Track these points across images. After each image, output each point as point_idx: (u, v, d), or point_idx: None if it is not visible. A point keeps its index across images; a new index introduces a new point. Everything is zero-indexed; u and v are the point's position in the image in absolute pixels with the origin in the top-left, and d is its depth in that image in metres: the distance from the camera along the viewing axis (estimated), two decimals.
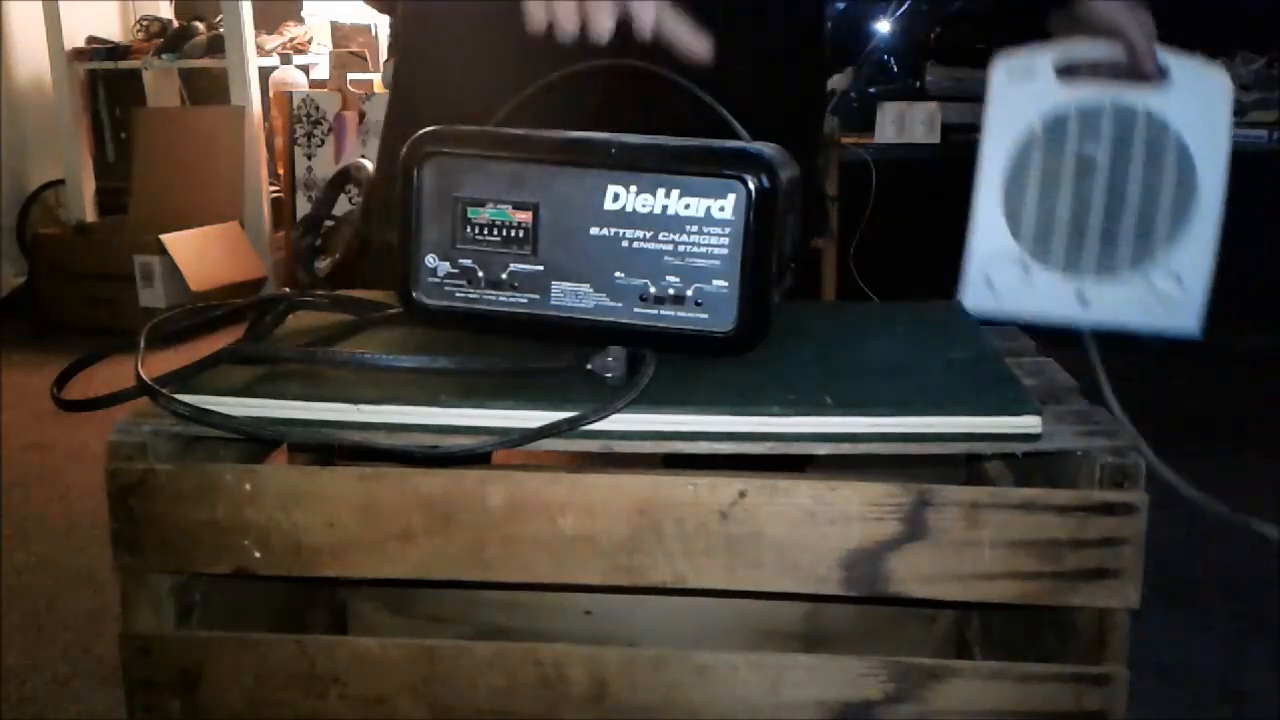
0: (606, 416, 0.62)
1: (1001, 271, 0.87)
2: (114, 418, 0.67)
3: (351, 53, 3.40)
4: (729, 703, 0.64)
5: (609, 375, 0.66)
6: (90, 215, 3.51)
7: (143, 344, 0.70)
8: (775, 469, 0.67)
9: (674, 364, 0.69)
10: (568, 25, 0.72)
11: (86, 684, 1.31)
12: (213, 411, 0.63)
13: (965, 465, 0.87)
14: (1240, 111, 2.53)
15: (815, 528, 0.61)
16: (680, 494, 0.62)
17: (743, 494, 0.61)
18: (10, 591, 1.54)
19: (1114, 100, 0.85)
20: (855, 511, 0.61)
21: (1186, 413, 2.14)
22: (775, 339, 0.76)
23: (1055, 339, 0.84)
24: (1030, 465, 0.68)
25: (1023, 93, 0.86)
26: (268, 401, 0.65)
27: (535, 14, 0.73)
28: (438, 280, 0.71)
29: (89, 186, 3.53)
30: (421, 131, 0.71)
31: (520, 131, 0.71)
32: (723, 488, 0.61)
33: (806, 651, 0.85)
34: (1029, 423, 0.63)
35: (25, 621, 1.46)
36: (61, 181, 3.53)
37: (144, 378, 0.65)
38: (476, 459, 0.63)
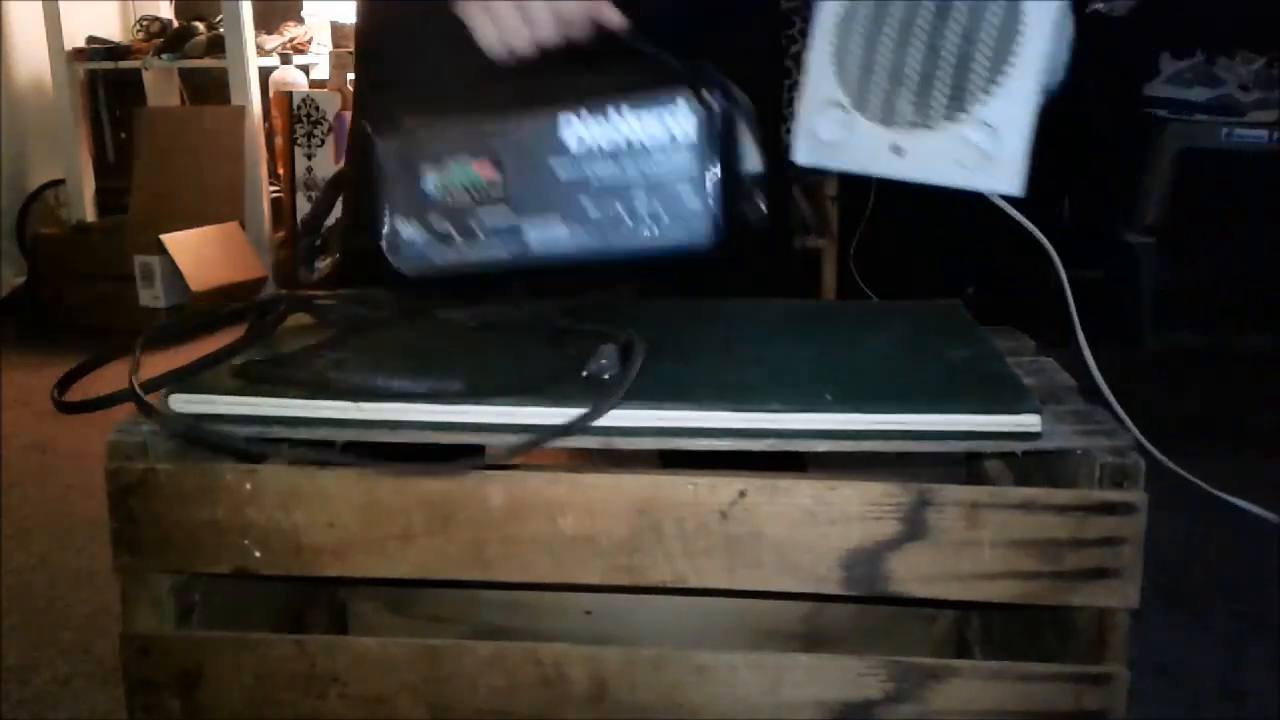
0: (608, 411, 0.62)
1: (826, 120, 0.84)
2: (114, 418, 0.67)
3: (351, 53, 3.40)
4: (729, 703, 0.64)
5: (606, 376, 0.66)
6: (90, 215, 3.51)
7: (139, 351, 0.69)
8: (775, 468, 0.67)
9: (675, 361, 0.69)
10: (518, 41, 0.76)
11: (86, 684, 1.30)
12: (204, 428, 0.63)
13: (965, 465, 0.87)
14: (1240, 111, 2.53)
15: (815, 527, 0.61)
16: (680, 494, 0.62)
17: (743, 494, 0.61)
18: (10, 591, 1.54)
19: None
20: (855, 511, 0.61)
21: (1186, 413, 2.14)
22: (775, 337, 0.76)
23: (1053, 339, 0.84)
24: (1030, 465, 0.68)
25: None
26: (268, 400, 0.65)
27: (483, 32, 0.76)
28: (413, 244, 0.72)
29: (89, 186, 3.53)
30: (377, 103, 0.72)
31: (472, 87, 0.73)
32: (723, 487, 0.61)
33: (806, 651, 0.85)
34: (1029, 421, 0.63)
35: (25, 621, 1.46)
36: (61, 181, 3.53)
37: (138, 390, 0.65)
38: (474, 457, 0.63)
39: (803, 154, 0.85)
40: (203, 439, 0.63)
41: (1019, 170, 0.79)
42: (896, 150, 0.82)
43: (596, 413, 0.62)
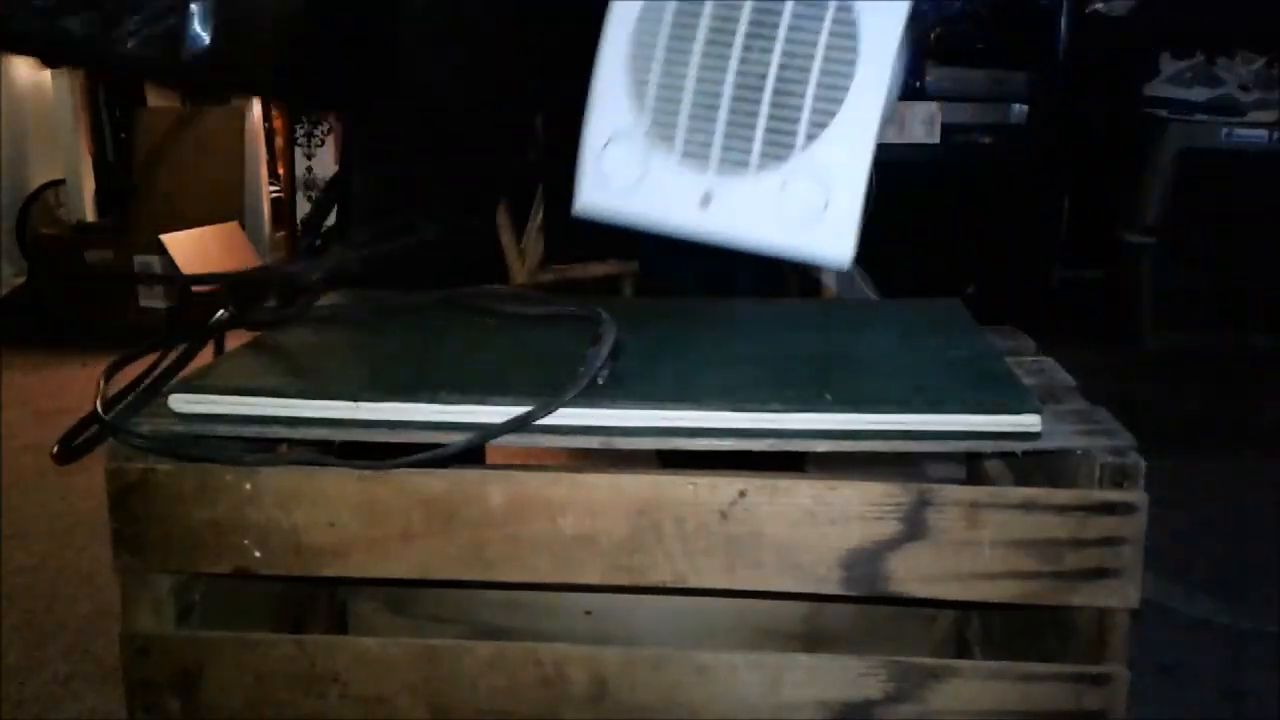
0: (559, 406, 0.62)
1: (620, 158, 0.69)
2: None
3: None
4: (729, 703, 0.64)
5: (600, 381, 0.64)
6: (90, 215, 3.51)
7: (104, 382, 0.69)
8: (774, 469, 0.67)
9: (675, 361, 0.69)
10: None
11: (86, 684, 1.30)
12: (175, 435, 0.63)
13: (965, 465, 0.87)
14: (1240, 111, 2.53)
15: (815, 527, 0.61)
16: (680, 494, 0.62)
17: (743, 494, 0.61)
18: (10, 591, 1.54)
19: None
20: (855, 511, 0.61)
21: (1186, 413, 2.14)
22: (775, 337, 0.75)
23: (1053, 339, 0.84)
24: (1030, 464, 0.68)
25: None
26: (268, 400, 0.65)
27: None
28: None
29: (89, 186, 3.53)
30: None
31: None
32: (723, 487, 0.61)
33: (806, 651, 0.85)
34: (1029, 421, 0.63)
35: (25, 621, 1.46)
36: (61, 181, 3.53)
37: (105, 418, 0.65)
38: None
39: (588, 196, 0.71)
40: (171, 455, 0.63)
41: (850, 234, 0.68)
42: (705, 199, 0.68)
43: (544, 410, 0.61)
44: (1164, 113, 2.58)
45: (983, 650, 0.87)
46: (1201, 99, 2.55)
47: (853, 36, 0.64)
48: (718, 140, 0.67)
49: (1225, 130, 2.52)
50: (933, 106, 2.69)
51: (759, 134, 0.66)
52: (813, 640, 0.92)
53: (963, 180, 2.69)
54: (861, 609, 0.91)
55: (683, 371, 0.68)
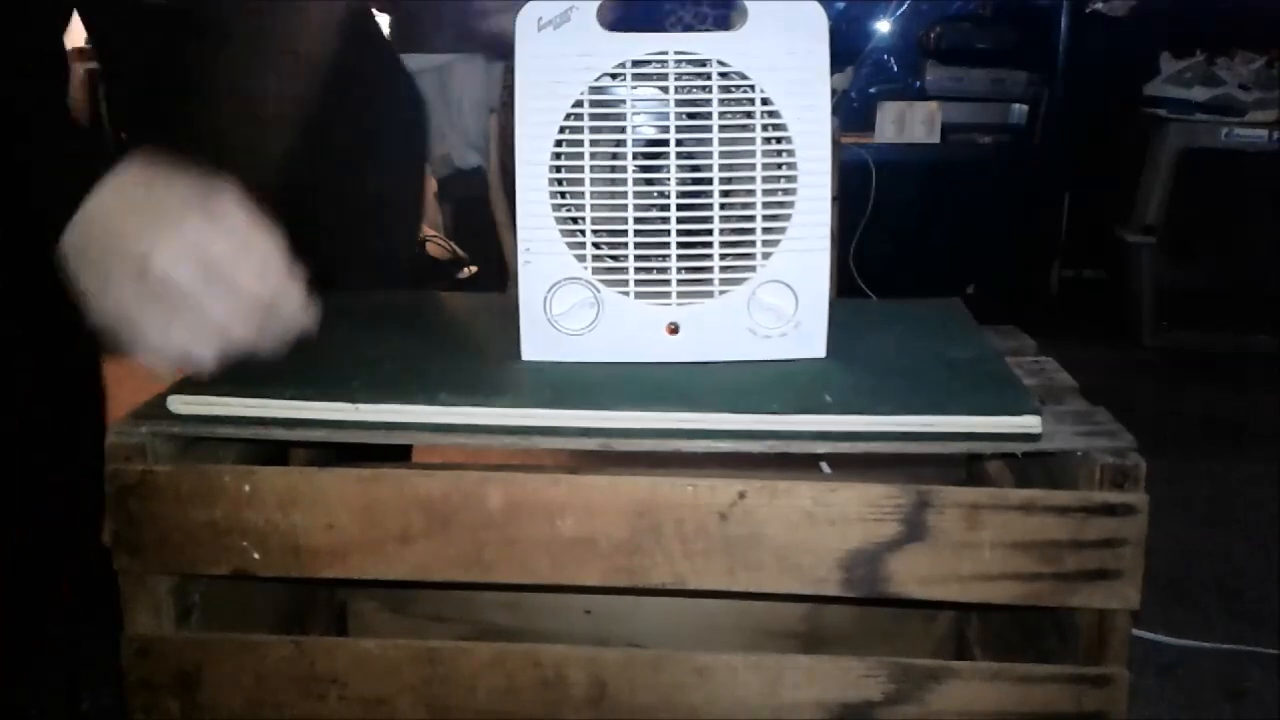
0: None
1: (568, 307, 0.66)
2: (114, 416, 0.67)
3: None
4: (729, 703, 0.64)
5: None
6: None
7: None
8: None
9: (674, 361, 0.69)
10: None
11: None
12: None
13: (965, 466, 0.87)
14: (1240, 111, 2.53)
15: (815, 529, 0.61)
16: (679, 495, 0.62)
17: (742, 495, 0.61)
18: None
19: (678, 49, 0.64)
20: (855, 512, 0.61)
21: (1187, 413, 2.14)
22: None
23: (1053, 339, 0.83)
24: (1030, 465, 0.68)
25: (561, 48, 0.64)
26: (268, 401, 0.65)
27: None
28: None
29: None
30: None
31: None
32: (722, 489, 0.61)
33: (806, 652, 0.85)
34: (1029, 423, 0.63)
35: None
36: None
37: None
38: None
39: (536, 349, 0.68)
40: None
41: (822, 329, 0.69)
42: (673, 328, 0.67)
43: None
44: (1164, 113, 2.58)
45: (983, 651, 0.87)
46: (1201, 99, 2.56)
47: (787, 140, 0.65)
48: (674, 276, 0.66)
49: (1225, 130, 2.52)
50: (932, 106, 2.70)
51: (715, 263, 0.67)
52: (812, 641, 0.92)
53: (963, 180, 2.69)
54: (861, 610, 0.91)
55: (682, 372, 0.68)
